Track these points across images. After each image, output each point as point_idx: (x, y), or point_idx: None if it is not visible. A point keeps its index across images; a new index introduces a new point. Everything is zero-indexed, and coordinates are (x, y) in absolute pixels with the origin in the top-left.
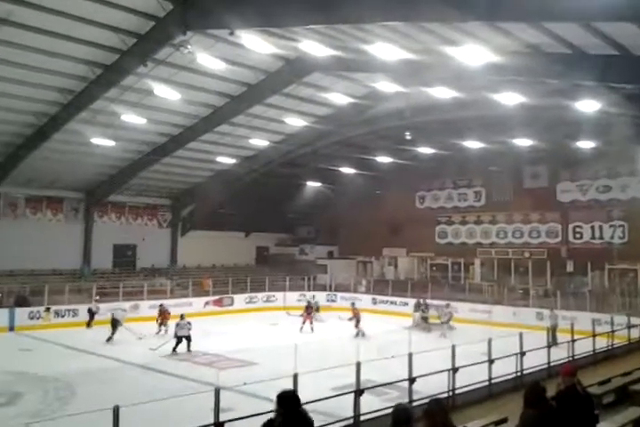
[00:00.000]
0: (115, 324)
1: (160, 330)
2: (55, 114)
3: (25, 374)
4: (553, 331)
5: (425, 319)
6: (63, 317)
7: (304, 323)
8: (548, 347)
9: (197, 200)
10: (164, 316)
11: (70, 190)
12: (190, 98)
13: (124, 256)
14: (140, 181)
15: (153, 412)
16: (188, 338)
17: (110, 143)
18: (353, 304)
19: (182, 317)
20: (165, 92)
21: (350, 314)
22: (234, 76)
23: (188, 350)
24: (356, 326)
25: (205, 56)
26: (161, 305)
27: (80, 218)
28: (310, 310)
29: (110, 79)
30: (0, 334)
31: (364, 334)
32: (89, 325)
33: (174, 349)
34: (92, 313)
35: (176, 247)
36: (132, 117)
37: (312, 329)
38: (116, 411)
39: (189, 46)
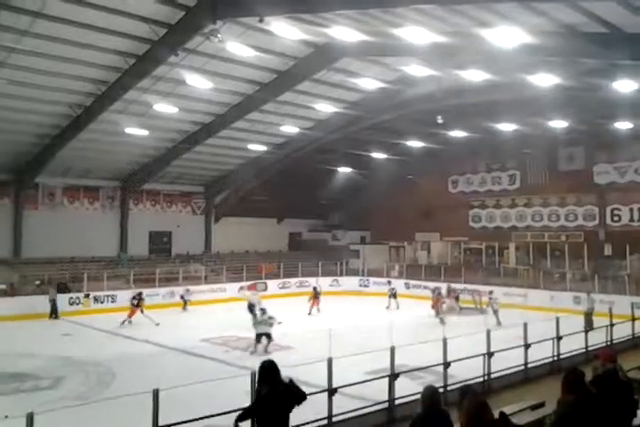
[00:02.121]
0: (251, 309)
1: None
2: (90, 105)
3: (67, 358)
4: (589, 315)
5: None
6: (102, 302)
7: (312, 307)
8: (585, 331)
9: (230, 187)
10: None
11: (106, 179)
12: (221, 86)
13: (160, 243)
14: (174, 169)
15: (191, 395)
16: (269, 336)
17: (143, 133)
18: (435, 292)
19: (264, 311)
20: (196, 81)
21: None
22: (263, 63)
23: (266, 350)
24: (437, 313)
25: (235, 44)
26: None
27: (116, 206)
28: (317, 295)
29: (142, 69)
30: (42, 320)
31: (442, 321)
32: (184, 308)
33: (254, 349)
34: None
35: (210, 234)
36: (164, 107)
37: (318, 310)
38: (155, 394)
39: (219, 35)
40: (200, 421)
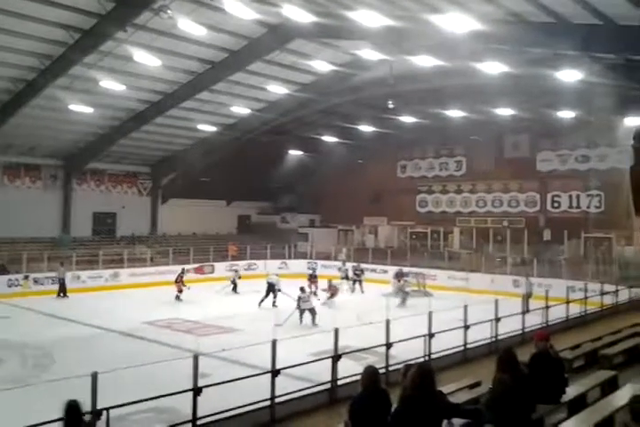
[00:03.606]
0: (271, 289)
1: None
2: (32, 80)
3: (4, 341)
4: (527, 298)
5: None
6: (42, 284)
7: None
8: (523, 313)
9: (178, 168)
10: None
11: (48, 158)
12: (171, 64)
13: (104, 224)
14: (120, 149)
15: (132, 378)
16: (313, 311)
17: (89, 110)
18: (330, 282)
19: (303, 289)
20: (145, 58)
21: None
22: (215, 41)
23: (314, 323)
24: (329, 298)
25: (186, 21)
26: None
27: (59, 186)
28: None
29: (89, 44)
30: None
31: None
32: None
33: (300, 321)
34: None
35: (156, 215)
36: (111, 84)
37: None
38: (94, 377)
39: (169, 11)
40: (141, 403)
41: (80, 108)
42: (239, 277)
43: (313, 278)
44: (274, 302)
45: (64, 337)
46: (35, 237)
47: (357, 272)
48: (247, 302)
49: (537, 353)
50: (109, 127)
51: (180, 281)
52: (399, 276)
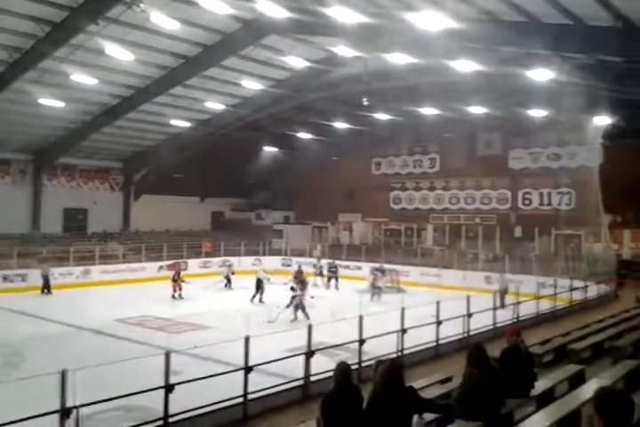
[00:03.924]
0: (259, 285)
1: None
2: (1, 72)
3: None
4: (502, 294)
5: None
6: (12, 282)
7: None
8: (494, 309)
9: (151, 164)
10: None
11: (18, 152)
12: (143, 58)
13: (75, 220)
14: (91, 144)
15: (102, 376)
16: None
17: (59, 104)
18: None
19: (294, 289)
20: (117, 52)
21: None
22: (189, 36)
23: (307, 317)
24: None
25: (159, 15)
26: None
27: (28, 181)
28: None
29: (59, 37)
30: None
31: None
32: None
33: (295, 317)
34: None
35: (129, 212)
36: (82, 78)
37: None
38: (63, 374)
39: (142, 4)
40: (112, 401)
41: (50, 102)
42: (232, 273)
43: (299, 275)
44: (260, 298)
45: (34, 335)
46: (3, 234)
47: (333, 269)
48: (225, 299)
49: (508, 348)
50: (81, 122)
51: (176, 279)
52: (377, 271)
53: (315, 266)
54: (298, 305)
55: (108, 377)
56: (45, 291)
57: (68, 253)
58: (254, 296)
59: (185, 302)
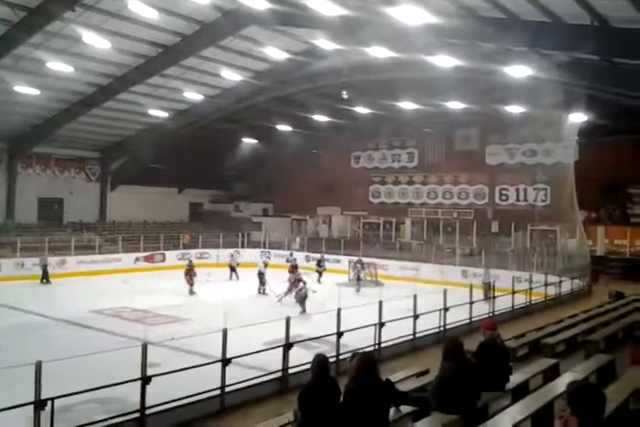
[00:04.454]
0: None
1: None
2: None
3: None
4: (487, 287)
5: (358, 278)
6: None
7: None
8: (471, 303)
9: (128, 154)
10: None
11: None
12: (121, 47)
13: (50, 210)
14: (68, 133)
15: (78, 367)
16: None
17: (35, 92)
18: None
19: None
20: (94, 40)
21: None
22: (168, 25)
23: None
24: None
25: (137, 3)
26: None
27: (2, 169)
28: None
29: (35, 24)
30: None
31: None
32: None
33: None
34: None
35: (105, 202)
36: (58, 65)
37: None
38: (38, 366)
39: None
40: (88, 393)
41: (26, 89)
42: (237, 264)
43: (294, 269)
44: (263, 290)
45: (9, 325)
46: None
47: (321, 264)
48: (207, 291)
49: (484, 342)
50: (57, 110)
51: (189, 274)
52: (357, 264)
53: (287, 260)
54: (303, 297)
55: (85, 369)
56: (44, 281)
57: (43, 244)
58: (259, 289)
59: (165, 293)
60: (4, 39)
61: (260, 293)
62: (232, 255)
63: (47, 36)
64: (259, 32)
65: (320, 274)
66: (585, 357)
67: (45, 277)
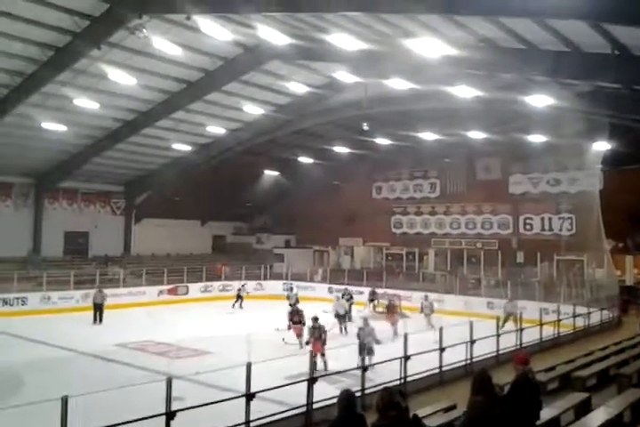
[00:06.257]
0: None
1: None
2: (4, 97)
3: None
4: (515, 319)
5: (374, 308)
6: (12, 305)
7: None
8: (498, 335)
9: (152, 187)
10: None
11: (20, 176)
12: (145, 83)
13: (76, 244)
14: (93, 168)
15: (103, 402)
16: (371, 351)
17: (62, 128)
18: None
19: (366, 322)
20: (120, 77)
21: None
22: (191, 61)
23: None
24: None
25: (161, 40)
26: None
27: (30, 204)
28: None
29: (62, 62)
30: None
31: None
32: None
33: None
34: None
35: (130, 235)
36: (84, 102)
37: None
38: (64, 401)
39: (145, 30)
40: None
41: (53, 126)
42: (247, 293)
43: (374, 295)
44: (345, 328)
45: (34, 360)
46: (5, 257)
47: (347, 297)
48: (222, 325)
49: (518, 379)
50: (83, 146)
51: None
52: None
53: (288, 297)
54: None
55: (110, 403)
56: (98, 321)
57: (68, 277)
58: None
59: (189, 326)
60: (33, 78)
61: (341, 332)
62: (243, 285)
63: (74, 73)
64: (280, 67)
65: (374, 306)
66: (618, 391)
67: (100, 318)
